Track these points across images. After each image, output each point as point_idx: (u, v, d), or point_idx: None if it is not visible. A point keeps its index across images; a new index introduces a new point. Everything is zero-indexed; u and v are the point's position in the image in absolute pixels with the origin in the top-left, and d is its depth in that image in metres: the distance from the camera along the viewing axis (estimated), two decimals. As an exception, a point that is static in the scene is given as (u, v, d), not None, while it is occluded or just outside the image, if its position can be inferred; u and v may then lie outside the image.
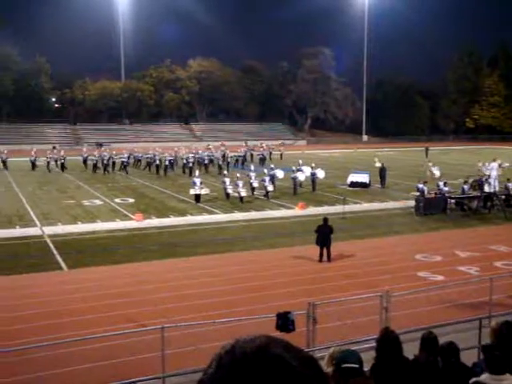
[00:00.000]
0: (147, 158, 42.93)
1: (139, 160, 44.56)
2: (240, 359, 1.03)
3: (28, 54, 76.75)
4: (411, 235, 21.26)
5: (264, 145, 51.67)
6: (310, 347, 9.70)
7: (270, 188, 29.49)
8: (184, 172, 39.98)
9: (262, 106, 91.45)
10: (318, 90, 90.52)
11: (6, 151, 46.55)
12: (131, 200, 28.99)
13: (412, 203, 26.08)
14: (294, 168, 32.42)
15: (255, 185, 29.97)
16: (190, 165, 39.94)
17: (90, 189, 33.26)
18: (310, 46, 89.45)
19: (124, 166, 41.55)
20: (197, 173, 31.17)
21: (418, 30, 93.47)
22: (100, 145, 61.44)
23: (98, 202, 28.62)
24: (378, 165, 39.90)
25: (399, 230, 22.10)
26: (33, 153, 44.08)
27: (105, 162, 41.32)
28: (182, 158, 41.55)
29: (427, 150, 55.68)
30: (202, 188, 28.06)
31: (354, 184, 33.33)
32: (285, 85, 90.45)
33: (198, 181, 28.14)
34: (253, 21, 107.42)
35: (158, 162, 40.96)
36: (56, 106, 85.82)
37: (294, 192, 30.71)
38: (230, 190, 28.57)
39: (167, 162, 40.82)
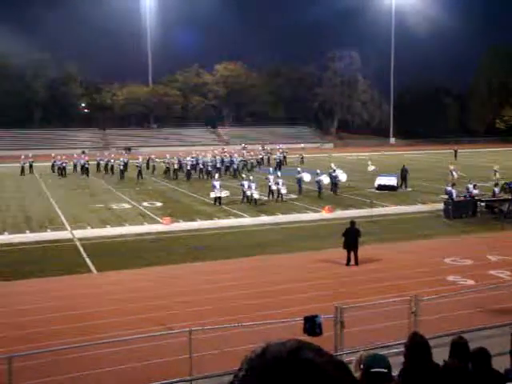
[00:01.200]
0: (166, 162, 42.10)
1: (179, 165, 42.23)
2: (271, 363, 1.03)
3: (58, 60, 78.26)
4: (440, 239, 20.95)
5: (280, 149, 51.29)
6: (337, 351, 9.64)
7: (284, 191, 29.93)
8: (201, 177, 39.96)
9: (288, 109, 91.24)
10: (344, 92, 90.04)
11: (30, 155, 47.23)
12: (159, 204, 29.26)
13: (440, 206, 25.73)
14: (318, 171, 32.29)
15: (273, 187, 30.11)
16: (210, 168, 40.23)
17: (118, 192, 33.69)
18: (336, 49, 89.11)
19: (139, 171, 40.63)
20: (216, 176, 32.39)
21: (446, 30, 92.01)
22: (129, 149, 61.95)
23: (126, 205, 28.95)
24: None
25: (428, 233, 21.80)
26: (59, 157, 44.91)
27: (121, 167, 41.12)
28: (199, 163, 41.36)
29: (456, 152, 54.92)
30: (221, 191, 28.62)
31: (381, 187, 33.05)
32: (311, 88, 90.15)
33: (217, 184, 28.72)
34: (278, 24, 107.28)
35: (176, 166, 40.96)
36: (85, 111, 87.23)
37: (319, 195, 30.66)
38: (248, 193, 28.86)
39: (189, 167, 40.67)
